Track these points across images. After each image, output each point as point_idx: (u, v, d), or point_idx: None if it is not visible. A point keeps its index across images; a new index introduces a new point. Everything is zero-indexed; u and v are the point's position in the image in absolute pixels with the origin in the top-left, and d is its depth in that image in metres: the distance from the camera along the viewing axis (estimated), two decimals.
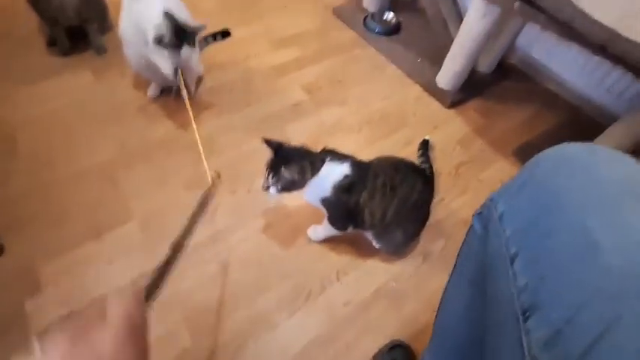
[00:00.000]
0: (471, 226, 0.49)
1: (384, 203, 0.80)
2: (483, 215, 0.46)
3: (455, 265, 0.53)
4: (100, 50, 1.28)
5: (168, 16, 0.88)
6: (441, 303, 0.58)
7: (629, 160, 0.37)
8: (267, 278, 0.87)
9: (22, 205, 0.91)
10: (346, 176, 0.77)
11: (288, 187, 0.76)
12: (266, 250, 0.91)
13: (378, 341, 0.80)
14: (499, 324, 0.38)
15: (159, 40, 0.88)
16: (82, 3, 1.16)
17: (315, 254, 0.92)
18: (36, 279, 0.80)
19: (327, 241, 0.94)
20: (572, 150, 0.39)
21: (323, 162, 0.76)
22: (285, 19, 1.57)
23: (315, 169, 0.75)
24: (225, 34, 1.43)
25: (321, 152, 0.80)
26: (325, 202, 0.80)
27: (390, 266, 0.92)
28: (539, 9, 0.88)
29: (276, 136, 1.13)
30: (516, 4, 0.92)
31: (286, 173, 0.73)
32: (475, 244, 0.46)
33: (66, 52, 1.24)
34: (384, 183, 0.79)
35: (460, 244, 0.94)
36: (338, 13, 1.61)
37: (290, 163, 0.74)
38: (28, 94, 1.14)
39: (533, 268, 0.35)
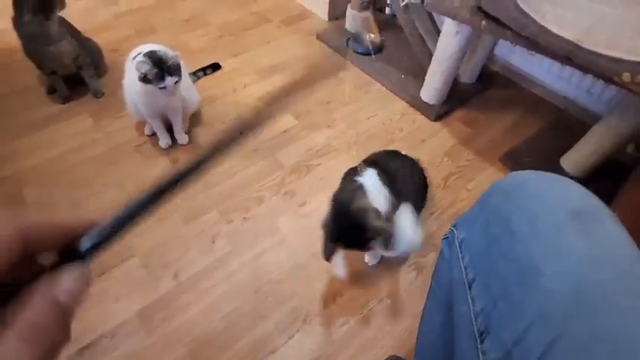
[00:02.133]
0: (441, 250, 0.52)
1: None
2: (449, 240, 0.49)
3: (430, 287, 0.56)
4: (98, 94, 1.34)
5: (147, 52, 0.94)
6: (419, 324, 0.60)
7: (574, 184, 0.40)
8: (265, 305, 0.90)
9: None
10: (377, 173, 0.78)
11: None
12: (263, 276, 0.95)
13: (376, 359, 0.82)
14: (463, 346, 0.41)
15: (143, 78, 0.94)
16: (77, 52, 1.23)
17: (310, 277, 0.95)
18: None
19: (322, 263, 0.97)
20: (521, 179, 0.42)
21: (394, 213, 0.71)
22: (271, 49, 1.63)
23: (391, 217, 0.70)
24: (215, 67, 1.50)
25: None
26: None
27: (384, 283, 0.95)
28: (505, 26, 0.92)
29: (268, 163, 1.19)
30: (483, 23, 0.97)
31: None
32: (444, 268, 0.49)
33: (65, 99, 1.31)
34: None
35: None
36: (321, 37, 1.67)
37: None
38: (32, 144, 1.20)
39: (487, 293, 0.38)
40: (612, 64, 0.76)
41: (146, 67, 0.91)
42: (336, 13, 1.77)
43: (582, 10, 0.87)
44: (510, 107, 1.44)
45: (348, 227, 0.67)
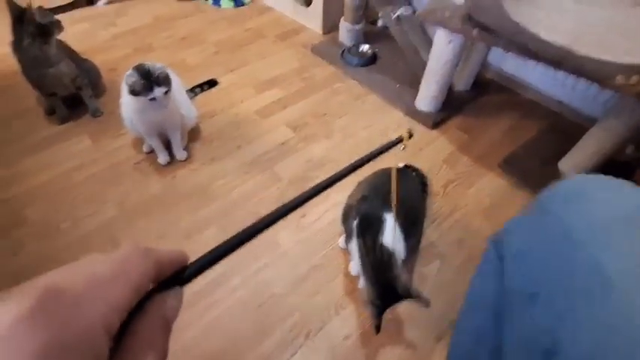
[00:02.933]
0: (487, 251, 0.48)
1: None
2: (498, 245, 0.46)
3: (470, 286, 0.53)
4: (96, 113, 1.36)
5: (135, 66, 0.96)
6: (454, 332, 0.57)
7: (637, 188, 0.37)
8: (267, 321, 0.89)
9: (31, 271, 0.96)
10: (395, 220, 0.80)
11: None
12: (264, 291, 0.94)
13: None
14: None
15: (132, 91, 0.95)
16: (76, 72, 1.25)
17: (312, 290, 0.94)
18: None
19: (323, 275, 0.96)
20: (581, 184, 0.39)
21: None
22: (267, 63, 1.66)
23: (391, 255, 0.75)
24: (212, 83, 1.52)
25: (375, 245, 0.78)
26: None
27: None
28: (497, 34, 0.94)
29: (267, 176, 1.19)
30: (475, 32, 0.98)
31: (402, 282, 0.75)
32: (490, 272, 0.47)
33: (64, 120, 1.32)
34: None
35: (455, 264, 0.96)
36: (316, 50, 1.70)
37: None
38: (32, 165, 1.20)
39: (552, 308, 0.35)
40: (604, 68, 0.77)
41: (132, 79, 0.93)
42: (330, 27, 1.80)
43: (570, 13, 0.88)
44: (506, 113, 1.44)
45: (396, 301, 0.74)
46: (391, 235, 0.79)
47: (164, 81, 0.97)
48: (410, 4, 1.33)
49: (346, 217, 0.87)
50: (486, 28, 0.95)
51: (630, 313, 0.29)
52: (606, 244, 0.33)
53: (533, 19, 0.86)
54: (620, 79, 0.74)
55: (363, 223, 0.79)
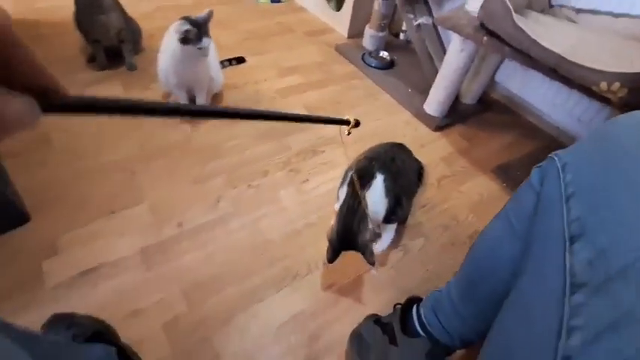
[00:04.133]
0: (528, 180, 0.54)
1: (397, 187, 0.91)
2: (543, 168, 0.51)
3: (504, 209, 0.61)
4: (132, 67, 1.47)
5: (184, 17, 1.08)
6: (478, 239, 0.66)
7: None
8: (258, 261, 0.95)
9: (51, 186, 1.03)
10: (384, 180, 0.88)
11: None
12: (260, 237, 1.01)
13: (357, 319, 0.87)
14: (543, 253, 0.43)
15: (183, 39, 1.05)
16: (122, 26, 1.37)
17: (304, 243, 1.01)
18: (54, 246, 0.90)
19: (316, 232, 1.04)
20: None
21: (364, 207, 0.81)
22: (292, 54, 1.79)
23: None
24: (240, 60, 1.64)
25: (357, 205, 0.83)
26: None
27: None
28: (504, 42, 1.05)
29: (278, 144, 1.29)
30: (485, 39, 1.09)
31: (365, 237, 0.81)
32: (528, 198, 0.52)
33: (103, 67, 1.44)
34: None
35: (437, 244, 1.05)
36: (339, 50, 1.83)
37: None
38: None
39: (588, 201, 0.39)
40: (592, 75, 0.87)
41: (186, 27, 1.04)
42: (355, 32, 1.94)
43: (569, 33, 1.00)
44: (507, 130, 1.54)
45: (352, 248, 0.82)
46: (376, 191, 0.87)
47: (208, 32, 1.08)
48: (431, 14, 1.46)
49: (347, 170, 0.95)
50: (495, 36, 1.06)
51: None
52: None
53: (536, 32, 0.98)
54: (603, 85, 0.84)
55: (358, 174, 0.87)
